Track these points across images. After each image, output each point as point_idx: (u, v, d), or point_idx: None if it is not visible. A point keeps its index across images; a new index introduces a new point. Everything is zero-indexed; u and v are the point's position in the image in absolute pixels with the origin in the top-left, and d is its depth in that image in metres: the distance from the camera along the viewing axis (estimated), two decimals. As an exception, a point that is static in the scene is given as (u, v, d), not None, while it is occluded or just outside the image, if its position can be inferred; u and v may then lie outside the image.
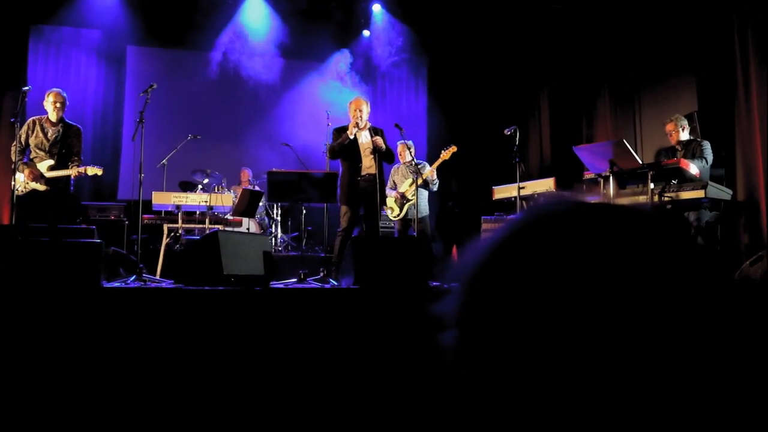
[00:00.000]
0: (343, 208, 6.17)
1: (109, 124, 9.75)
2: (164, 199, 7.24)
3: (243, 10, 9.87)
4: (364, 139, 6.29)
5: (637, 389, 0.51)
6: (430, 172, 7.23)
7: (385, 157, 6.37)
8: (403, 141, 7.36)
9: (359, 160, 6.26)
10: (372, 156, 6.27)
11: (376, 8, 10.26)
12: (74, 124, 6.40)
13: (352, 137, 6.22)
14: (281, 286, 5.03)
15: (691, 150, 6.22)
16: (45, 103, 6.18)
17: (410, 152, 7.22)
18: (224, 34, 9.81)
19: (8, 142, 7.16)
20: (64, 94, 6.31)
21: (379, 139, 6.21)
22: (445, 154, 7.26)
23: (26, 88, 6.15)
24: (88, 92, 9.59)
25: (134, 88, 9.70)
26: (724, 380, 0.52)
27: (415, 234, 6.84)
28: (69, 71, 9.52)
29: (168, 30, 9.56)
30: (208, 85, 10.13)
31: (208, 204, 7.30)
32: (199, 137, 8.36)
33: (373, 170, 6.26)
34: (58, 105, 6.21)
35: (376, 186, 6.17)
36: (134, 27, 9.46)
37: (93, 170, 6.22)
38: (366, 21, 10.40)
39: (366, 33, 10.47)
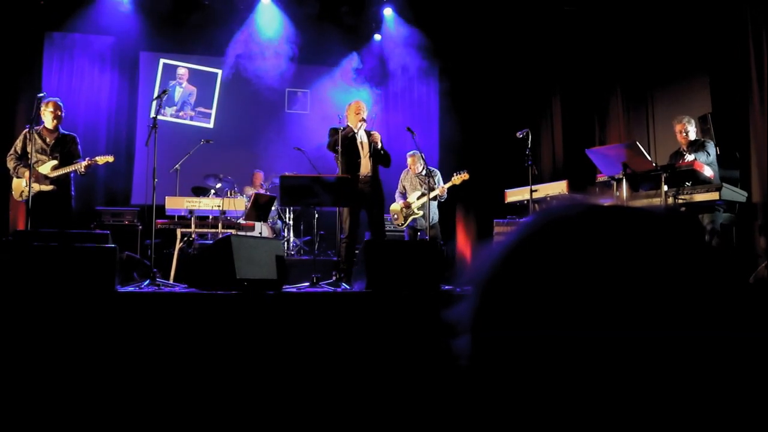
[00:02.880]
0: (344, 212, 6.19)
1: (123, 129, 9.81)
2: (177, 203, 7.28)
3: (255, 15, 9.91)
4: (362, 139, 6.36)
5: (654, 396, 0.50)
6: (441, 190, 7.22)
7: (383, 159, 6.43)
8: (413, 152, 7.38)
9: (358, 156, 6.32)
10: (369, 157, 6.32)
11: (388, 12, 10.26)
12: (69, 133, 6.49)
13: (356, 130, 6.30)
14: (294, 290, 5.04)
15: (696, 149, 6.19)
16: (43, 112, 6.24)
17: (422, 162, 7.24)
18: (236, 39, 9.86)
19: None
20: (62, 104, 6.40)
21: (376, 133, 6.33)
22: (456, 179, 7.25)
23: (41, 94, 6.24)
24: (102, 98, 9.65)
25: (147, 94, 9.77)
26: (739, 384, 0.51)
27: (426, 238, 6.84)
28: (83, 77, 9.59)
29: (181, 35, 9.61)
30: (221, 90, 10.20)
31: (220, 208, 7.33)
32: (211, 142, 8.39)
33: (369, 171, 6.33)
34: (58, 113, 6.31)
35: (374, 188, 6.23)
36: (147, 33, 9.52)
37: (104, 159, 6.32)
38: (377, 25, 10.41)
39: (377, 37, 10.48)
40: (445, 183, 7.34)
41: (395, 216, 7.52)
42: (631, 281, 0.53)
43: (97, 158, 6.29)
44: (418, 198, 7.28)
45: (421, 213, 7.17)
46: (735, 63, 6.83)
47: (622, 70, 8.64)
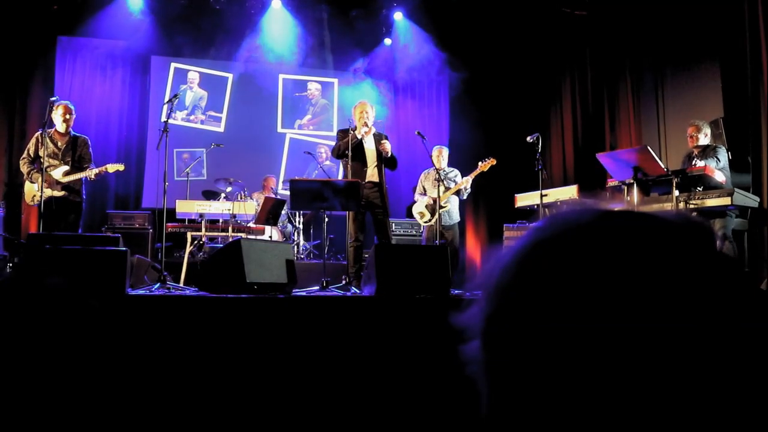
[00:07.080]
0: (350, 215, 6.16)
1: (134, 133, 9.86)
2: (188, 207, 7.31)
3: (265, 19, 9.94)
4: (369, 145, 6.30)
5: (669, 404, 0.50)
6: (463, 183, 7.21)
7: (389, 163, 6.38)
8: (440, 146, 7.45)
9: (365, 164, 6.28)
10: (376, 163, 6.28)
11: (398, 16, 10.28)
12: (81, 135, 6.50)
13: (360, 137, 6.20)
14: (304, 293, 5.04)
15: (707, 155, 6.16)
16: (54, 115, 6.24)
17: (446, 159, 7.32)
18: (247, 43, 9.90)
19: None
20: (73, 107, 6.41)
21: (386, 143, 6.24)
22: (483, 166, 7.21)
23: (53, 98, 6.27)
24: (113, 102, 9.71)
25: (158, 98, 9.82)
26: (754, 393, 0.51)
27: (444, 242, 6.79)
28: (94, 81, 9.65)
29: (192, 39, 9.66)
30: (231, 94, 10.23)
31: (231, 212, 7.35)
32: (222, 146, 8.43)
33: (375, 178, 6.26)
34: (67, 117, 6.32)
35: (379, 194, 6.18)
36: (158, 37, 9.58)
37: (114, 167, 6.32)
38: (387, 29, 10.42)
39: (387, 41, 10.50)
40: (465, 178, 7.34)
41: (421, 213, 7.44)
42: (643, 287, 0.52)
43: (108, 166, 6.28)
44: (443, 193, 7.23)
45: (448, 207, 7.18)
46: (747, 65, 6.77)
47: (632, 72, 8.63)
